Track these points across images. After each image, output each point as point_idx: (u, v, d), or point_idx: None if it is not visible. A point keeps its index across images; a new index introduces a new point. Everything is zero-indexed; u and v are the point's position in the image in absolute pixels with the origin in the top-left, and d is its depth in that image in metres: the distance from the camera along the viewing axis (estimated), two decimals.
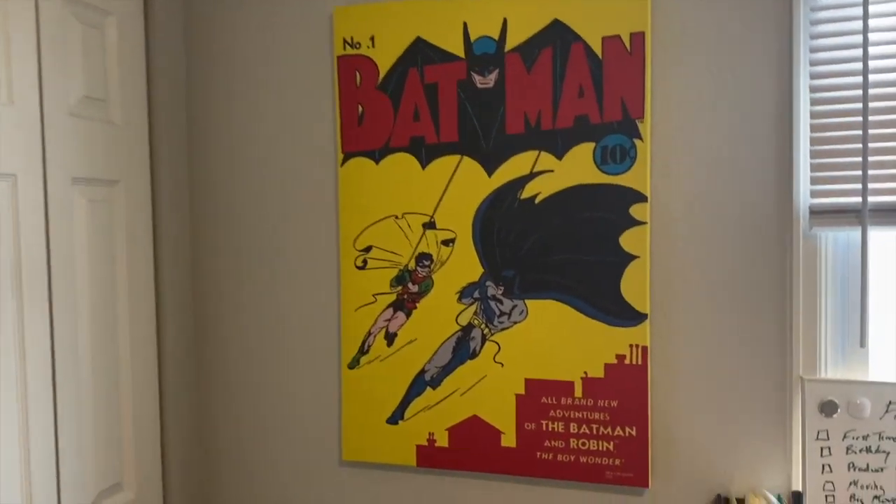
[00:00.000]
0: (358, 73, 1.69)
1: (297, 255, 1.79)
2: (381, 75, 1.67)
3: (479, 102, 1.61)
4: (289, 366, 1.81)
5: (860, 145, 1.38)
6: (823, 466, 1.42)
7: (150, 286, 1.75)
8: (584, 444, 1.57)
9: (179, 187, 1.84)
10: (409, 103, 1.66)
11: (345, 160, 1.72)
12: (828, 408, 1.42)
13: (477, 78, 1.61)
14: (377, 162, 1.69)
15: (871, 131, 1.37)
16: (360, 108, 1.69)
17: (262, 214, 1.81)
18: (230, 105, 1.83)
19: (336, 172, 1.75)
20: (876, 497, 1.39)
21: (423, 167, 1.65)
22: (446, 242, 1.65)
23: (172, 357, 1.81)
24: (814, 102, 1.42)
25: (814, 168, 1.43)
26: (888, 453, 1.39)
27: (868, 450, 1.41)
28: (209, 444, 1.89)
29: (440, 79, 1.63)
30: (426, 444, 1.67)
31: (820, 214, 1.43)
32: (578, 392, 1.57)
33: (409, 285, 1.68)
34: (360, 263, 1.72)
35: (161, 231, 1.78)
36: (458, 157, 1.63)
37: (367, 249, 1.71)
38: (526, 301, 1.60)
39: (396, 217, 1.68)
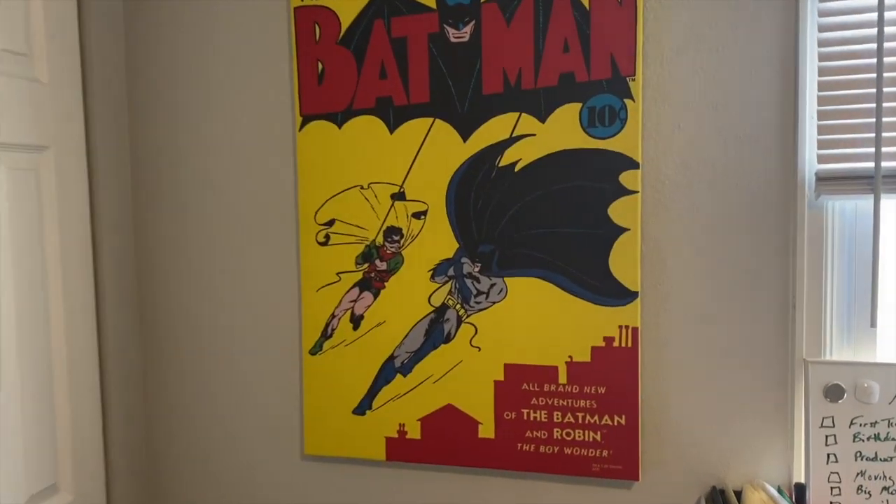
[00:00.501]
0: (317, 26, 1.51)
1: (251, 231, 1.62)
2: (343, 28, 1.50)
3: (453, 59, 1.44)
4: (244, 353, 1.64)
5: (873, 105, 1.25)
6: (828, 456, 1.31)
7: (88, 267, 1.56)
8: (568, 434, 1.44)
9: (119, 155, 1.66)
10: (374, 60, 1.49)
11: (303, 124, 1.54)
12: (833, 392, 1.31)
13: (450, 31, 1.44)
14: (339, 126, 1.52)
15: (886, 89, 1.24)
16: (320, 66, 1.52)
17: (211, 186, 1.64)
18: (175, 62, 1.64)
19: (294, 138, 1.58)
20: (885, 489, 1.29)
21: (391, 131, 1.49)
22: (417, 215, 1.49)
23: (115, 347, 1.63)
24: (822, 57, 1.29)
25: (821, 130, 1.30)
26: None
27: (876, 437, 1.29)
28: (158, 441, 1.72)
29: (409, 32, 1.46)
30: (396, 436, 1.53)
31: (827, 181, 1.30)
32: (563, 378, 1.44)
33: (377, 262, 1.52)
34: (321, 239, 1.55)
35: (99, 204, 1.60)
36: (429, 119, 1.47)
37: (330, 223, 1.54)
38: (505, 279, 1.45)
39: (362, 187, 1.52)
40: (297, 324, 1.60)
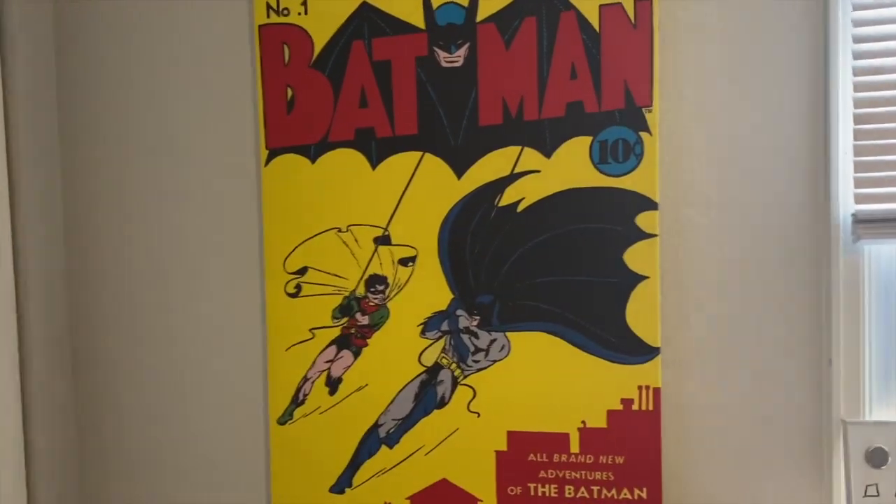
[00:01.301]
0: (286, 48, 1.33)
1: (210, 281, 1.40)
2: (317, 50, 1.32)
3: (445, 85, 1.28)
4: (199, 422, 1.42)
5: None
6: None
7: (12, 332, 1.32)
8: None
9: (51, 194, 1.42)
10: (353, 86, 1.31)
11: (269, 158, 1.35)
12: (876, 456, 1.18)
13: (441, 54, 1.28)
14: (313, 160, 1.33)
15: None
16: (290, 92, 1.33)
17: (160, 229, 1.42)
18: (119, 89, 1.43)
19: (258, 174, 1.38)
20: None
21: (374, 167, 1.31)
22: (405, 262, 1.31)
23: (43, 430, 1.38)
24: (857, 88, 1.18)
25: (858, 167, 1.19)
26: None
27: None
28: None
29: (394, 55, 1.29)
30: None
31: (866, 223, 1.18)
32: (575, 446, 1.27)
33: (358, 316, 1.33)
34: (291, 290, 1.35)
35: (25, 250, 1.36)
36: (418, 154, 1.30)
37: (302, 272, 1.34)
38: (508, 334, 1.28)
39: (339, 230, 1.33)
40: (263, 388, 1.39)
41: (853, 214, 1.19)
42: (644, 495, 1.25)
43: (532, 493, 1.28)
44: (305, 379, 1.35)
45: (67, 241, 1.46)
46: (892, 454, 1.18)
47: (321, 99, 1.32)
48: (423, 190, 1.30)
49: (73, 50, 1.44)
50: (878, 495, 1.18)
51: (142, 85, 1.42)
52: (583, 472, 1.27)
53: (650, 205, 1.23)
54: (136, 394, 1.44)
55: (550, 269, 1.27)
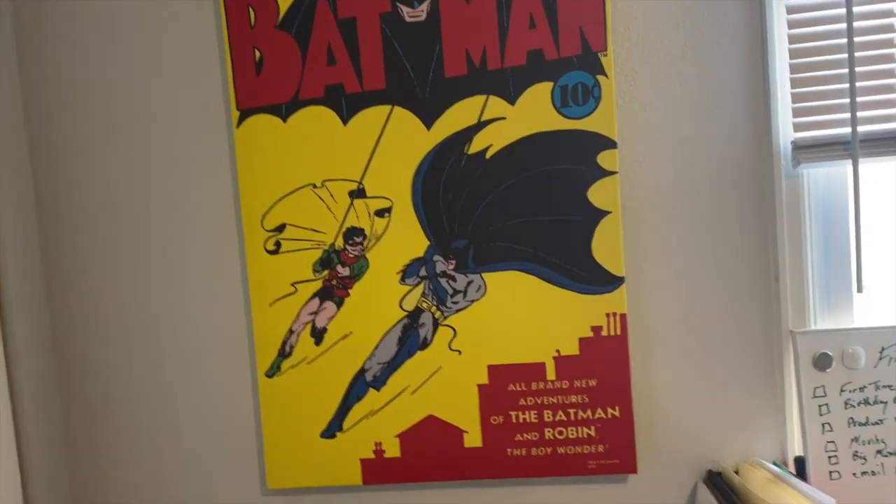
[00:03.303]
0: (251, 10, 1.35)
1: (190, 243, 1.43)
2: (282, 11, 1.34)
3: (410, 40, 1.32)
4: (188, 380, 1.44)
5: (846, 70, 1.25)
6: (823, 426, 1.30)
7: None
8: (561, 432, 1.36)
9: (20, 165, 1.41)
10: (320, 44, 1.34)
11: (242, 119, 1.37)
12: (822, 361, 1.30)
13: (404, 9, 1.32)
14: (284, 119, 1.36)
15: (857, 53, 1.24)
16: (258, 54, 1.35)
17: (137, 197, 1.43)
18: (87, 57, 1.42)
19: (231, 136, 1.40)
20: (878, 452, 1.29)
21: (345, 122, 1.35)
22: (381, 213, 1.36)
23: (31, 400, 1.39)
24: (791, 24, 1.27)
25: (795, 98, 1.29)
26: (886, 403, 1.30)
27: (866, 402, 1.30)
28: (92, 485, 1.49)
29: (358, 12, 1.33)
30: (373, 456, 1.39)
31: (804, 149, 1.29)
32: (551, 374, 1.35)
33: (338, 268, 1.37)
34: (271, 247, 1.39)
35: (3, 222, 1.36)
36: (387, 107, 1.34)
37: (280, 228, 1.38)
38: (483, 275, 1.35)
39: (315, 186, 1.37)
40: (249, 344, 1.43)
41: (793, 142, 1.30)
42: (617, 413, 1.35)
43: (514, 420, 1.37)
44: (291, 332, 1.39)
45: (39, 208, 1.45)
46: (835, 358, 1.30)
47: (289, 58, 1.35)
48: (395, 142, 1.35)
49: (36, 19, 1.42)
50: (825, 395, 1.31)
51: (109, 55, 1.42)
52: (559, 397, 1.36)
53: (610, 144, 1.31)
54: (124, 356, 1.46)
55: (520, 211, 1.34)
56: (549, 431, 1.36)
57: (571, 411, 1.36)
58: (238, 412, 1.44)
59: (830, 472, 1.30)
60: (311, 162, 1.36)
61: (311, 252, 1.38)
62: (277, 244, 1.38)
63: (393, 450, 1.39)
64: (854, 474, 1.30)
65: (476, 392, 1.37)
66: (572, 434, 1.36)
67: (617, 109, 1.32)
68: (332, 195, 1.36)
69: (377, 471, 1.39)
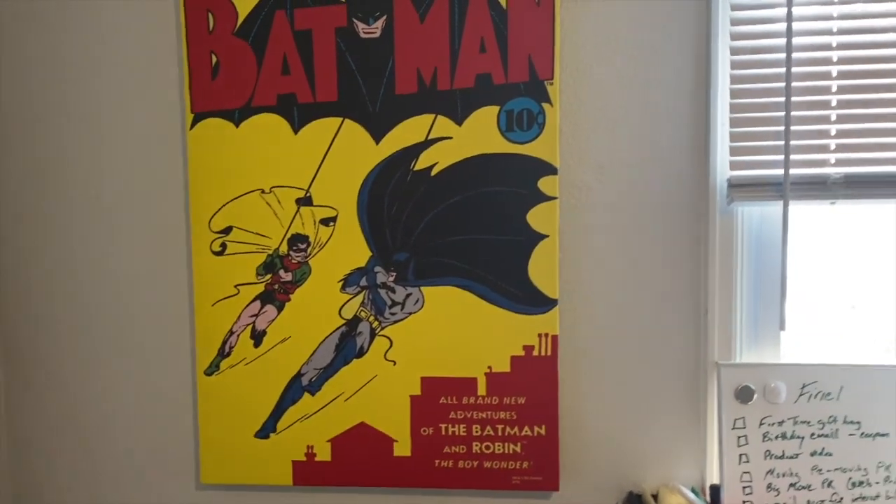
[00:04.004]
0: (211, 16, 1.37)
1: (137, 241, 1.45)
2: (241, 19, 1.37)
3: (363, 55, 1.35)
4: (129, 374, 1.47)
5: (783, 113, 1.28)
6: (740, 456, 1.34)
7: None
8: (488, 447, 1.39)
9: None
10: (275, 54, 1.37)
11: (195, 122, 1.40)
12: (744, 394, 1.34)
13: (360, 26, 1.35)
14: (237, 124, 1.39)
15: (794, 98, 1.28)
16: (215, 59, 1.38)
17: (89, 191, 1.46)
18: (46, 54, 1.44)
19: (184, 137, 1.43)
20: (792, 485, 1.33)
21: (296, 131, 1.38)
22: (326, 222, 1.39)
23: None
24: (734, 66, 1.31)
25: (733, 138, 1.32)
26: (802, 438, 1.34)
27: (783, 436, 1.34)
28: (31, 474, 1.51)
29: (314, 25, 1.36)
30: (304, 458, 1.42)
31: (739, 188, 1.32)
32: (482, 389, 1.39)
33: (281, 273, 1.40)
34: (217, 248, 1.41)
35: None
36: (338, 119, 1.37)
37: (227, 231, 1.41)
38: (422, 289, 1.38)
39: (263, 191, 1.40)
40: (190, 342, 1.46)
41: (728, 179, 1.33)
42: (543, 432, 1.38)
43: (443, 432, 1.40)
44: (231, 332, 1.42)
45: None
46: (757, 392, 1.34)
47: (244, 65, 1.38)
48: (343, 154, 1.38)
49: None
50: (744, 427, 1.34)
51: (72, 56, 1.44)
52: (489, 413, 1.39)
53: (551, 170, 1.35)
54: (67, 347, 1.48)
55: (461, 229, 1.37)
56: (476, 445, 1.40)
57: (499, 427, 1.39)
58: (177, 408, 1.47)
59: (744, 501, 1.34)
60: (261, 168, 1.39)
61: (256, 256, 1.41)
62: (223, 246, 1.41)
63: (324, 453, 1.42)
64: None
65: (408, 402, 1.40)
66: (499, 449, 1.39)
67: (560, 136, 1.35)
68: (279, 201, 1.39)
69: (308, 473, 1.43)
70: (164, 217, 1.45)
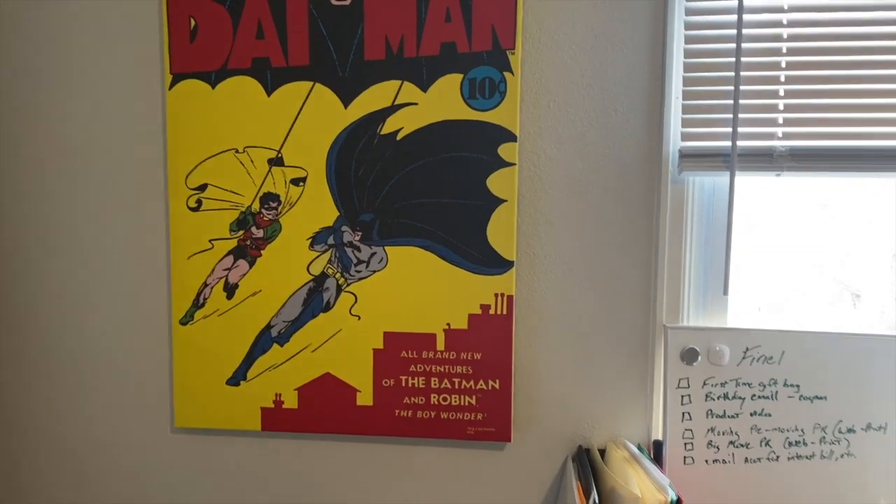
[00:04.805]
0: None
1: (117, 195, 1.52)
2: None
3: (334, 22, 1.41)
4: (109, 323, 1.55)
5: (732, 87, 1.34)
6: (683, 414, 1.41)
7: None
8: (445, 399, 1.47)
9: None
10: (251, 18, 1.43)
11: (174, 83, 1.46)
12: (689, 356, 1.41)
13: None
14: (213, 86, 1.45)
15: (743, 73, 1.33)
16: (193, 22, 1.44)
17: (70, 147, 1.52)
18: (29, 19, 1.50)
19: (163, 97, 1.50)
20: (731, 443, 1.41)
21: (269, 94, 1.44)
22: (296, 181, 1.46)
23: None
24: (688, 40, 1.36)
25: (685, 110, 1.37)
26: (743, 399, 1.40)
27: (725, 396, 1.41)
28: (8, 418, 1.60)
29: None
30: (272, 406, 1.51)
31: (689, 158, 1.38)
32: (441, 345, 1.46)
33: (253, 230, 1.47)
34: (192, 204, 1.49)
35: None
36: (309, 83, 1.43)
37: (203, 188, 1.48)
38: (386, 248, 1.45)
39: (237, 151, 1.46)
40: (167, 293, 1.53)
41: (679, 150, 1.39)
42: (497, 386, 1.46)
43: (403, 384, 1.48)
44: (205, 285, 1.50)
45: None
46: (701, 354, 1.41)
47: (221, 29, 1.43)
48: (314, 117, 1.44)
49: None
50: (688, 387, 1.41)
51: (55, 18, 1.50)
52: (446, 367, 1.46)
53: (511, 137, 1.40)
54: (48, 295, 1.56)
55: (424, 192, 1.43)
56: (434, 397, 1.47)
57: (456, 380, 1.46)
58: (153, 355, 1.55)
59: (685, 457, 1.41)
60: (235, 128, 1.46)
61: (229, 212, 1.48)
62: (199, 202, 1.48)
63: (291, 401, 1.50)
64: (706, 461, 1.41)
65: (371, 355, 1.48)
66: (455, 401, 1.47)
67: (521, 105, 1.41)
68: (252, 161, 1.46)
69: (275, 419, 1.51)
70: (144, 173, 1.51)
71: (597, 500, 1.24)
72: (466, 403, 1.47)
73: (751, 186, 1.47)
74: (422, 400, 1.48)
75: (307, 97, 1.43)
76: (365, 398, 1.49)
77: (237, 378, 1.51)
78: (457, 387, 1.46)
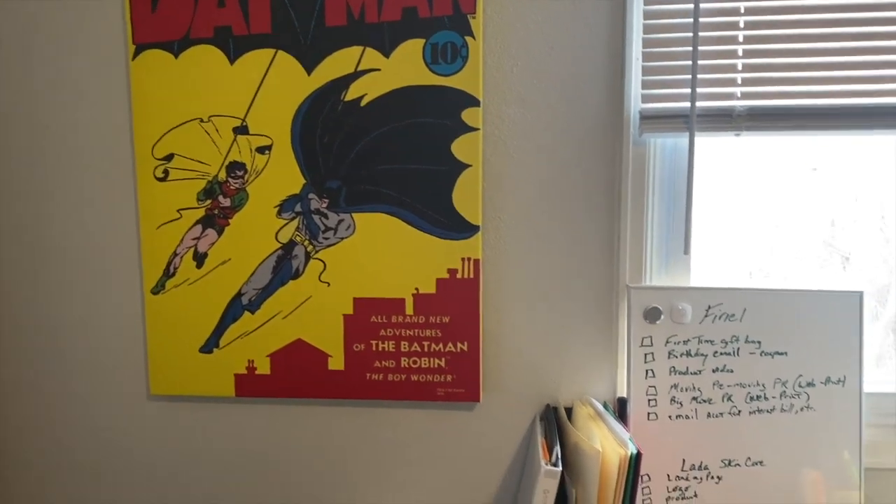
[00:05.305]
0: None
1: (85, 167, 1.53)
2: None
3: None
4: (81, 296, 1.57)
5: (690, 48, 1.35)
6: (647, 372, 1.44)
7: None
8: (415, 362, 1.50)
9: None
10: None
11: (137, 53, 1.46)
12: (652, 314, 1.43)
13: None
14: (176, 55, 1.45)
15: (701, 34, 1.34)
16: None
17: (37, 120, 1.52)
18: None
19: (127, 67, 1.49)
20: (694, 398, 1.44)
21: (232, 62, 1.44)
22: (261, 150, 1.46)
23: None
24: (647, 1, 1.36)
25: (645, 72, 1.38)
26: (706, 356, 1.44)
27: (688, 354, 1.44)
28: None
29: None
30: (245, 372, 1.53)
31: (649, 120, 1.39)
32: (410, 309, 1.48)
33: (220, 199, 1.48)
34: (160, 174, 1.49)
35: None
36: (272, 51, 1.43)
37: (169, 158, 1.48)
38: (353, 215, 1.46)
39: (202, 120, 1.47)
40: (137, 263, 1.55)
41: (640, 112, 1.40)
42: (465, 348, 1.49)
43: (374, 348, 1.50)
44: (175, 254, 1.51)
45: None
46: (664, 313, 1.44)
47: None
48: (277, 84, 1.44)
49: None
50: (651, 345, 1.44)
51: None
52: (416, 330, 1.49)
53: (474, 102, 1.41)
54: (23, 271, 1.58)
55: (389, 158, 1.44)
56: (404, 360, 1.50)
57: (425, 343, 1.49)
58: (127, 325, 1.57)
59: (649, 413, 1.45)
60: (199, 97, 1.46)
61: (196, 182, 1.48)
62: (166, 172, 1.49)
63: (264, 367, 1.53)
64: (669, 416, 1.45)
65: (341, 321, 1.50)
66: (425, 364, 1.50)
67: (484, 69, 1.42)
68: (217, 130, 1.46)
69: (249, 385, 1.53)
70: (111, 144, 1.52)
71: (559, 455, 1.27)
72: (436, 366, 1.49)
73: (714, 147, 1.49)
74: (392, 363, 1.50)
75: (270, 65, 1.43)
76: (336, 363, 1.51)
77: (210, 345, 1.53)
78: (426, 350, 1.49)
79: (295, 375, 1.52)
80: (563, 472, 1.27)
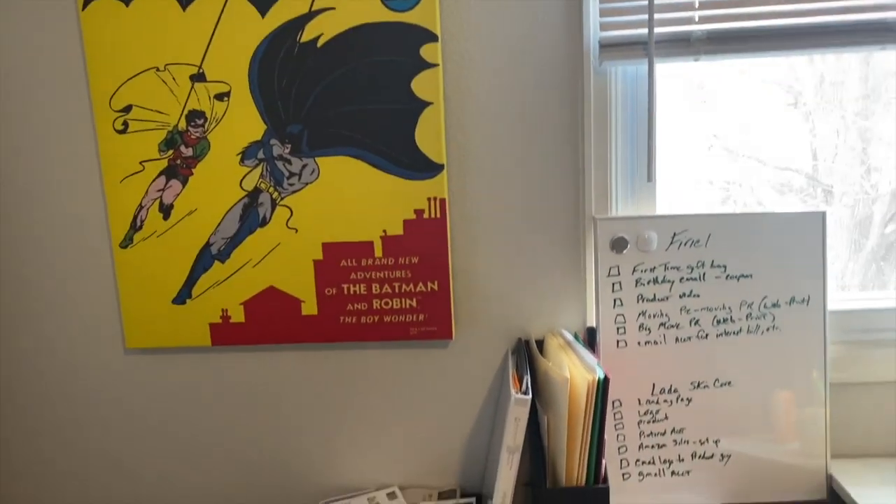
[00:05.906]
0: None
1: (43, 123, 1.51)
2: None
3: None
4: (51, 252, 1.56)
5: None
6: (615, 301, 1.46)
7: None
8: (386, 303, 1.51)
9: None
10: None
11: (87, 3, 1.43)
12: (618, 244, 1.45)
13: None
14: (127, 4, 1.42)
15: None
16: None
17: None
18: None
19: (78, 18, 1.46)
20: (662, 324, 1.47)
21: (184, 8, 1.41)
22: (220, 97, 1.44)
23: None
24: None
25: (603, 0, 1.37)
26: (672, 282, 1.46)
27: (655, 281, 1.46)
28: None
29: None
30: (220, 321, 1.54)
31: (609, 48, 1.38)
32: (378, 252, 1.49)
33: (182, 149, 1.47)
34: (119, 127, 1.47)
35: None
36: None
37: (127, 109, 1.47)
38: (317, 159, 1.46)
39: (158, 69, 1.44)
40: (104, 218, 1.54)
41: (599, 40, 1.39)
42: (436, 287, 1.50)
43: (345, 292, 1.51)
44: (140, 207, 1.50)
45: None
46: (631, 242, 1.45)
47: None
48: (232, 29, 1.41)
49: None
50: (618, 275, 1.46)
51: None
52: (386, 272, 1.50)
53: (432, 37, 1.39)
54: None
55: (350, 99, 1.43)
56: (376, 302, 1.51)
57: (396, 285, 1.50)
58: (99, 279, 1.57)
59: (618, 340, 1.47)
60: (154, 46, 1.43)
61: (157, 133, 1.47)
62: (125, 124, 1.47)
63: (238, 316, 1.54)
64: (638, 343, 1.47)
65: (312, 266, 1.51)
66: (396, 305, 1.51)
67: (441, 3, 1.40)
68: (174, 78, 1.44)
69: (224, 334, 1.55)
70: (69, 97, 1.49)
71: (529, 384, 1.30)
72: (407, 306, 1.51)
73: (676, 72, 1.49)
74: (364, 306, 1.52)
75: (223, 9, 1.41)
76: (309, 308, 1.52)
77: (182, 297, 1.54)
78: (397, 291, 1.50)
79: (269, 322, 1.53)
80: (533, 399, 1.30)
